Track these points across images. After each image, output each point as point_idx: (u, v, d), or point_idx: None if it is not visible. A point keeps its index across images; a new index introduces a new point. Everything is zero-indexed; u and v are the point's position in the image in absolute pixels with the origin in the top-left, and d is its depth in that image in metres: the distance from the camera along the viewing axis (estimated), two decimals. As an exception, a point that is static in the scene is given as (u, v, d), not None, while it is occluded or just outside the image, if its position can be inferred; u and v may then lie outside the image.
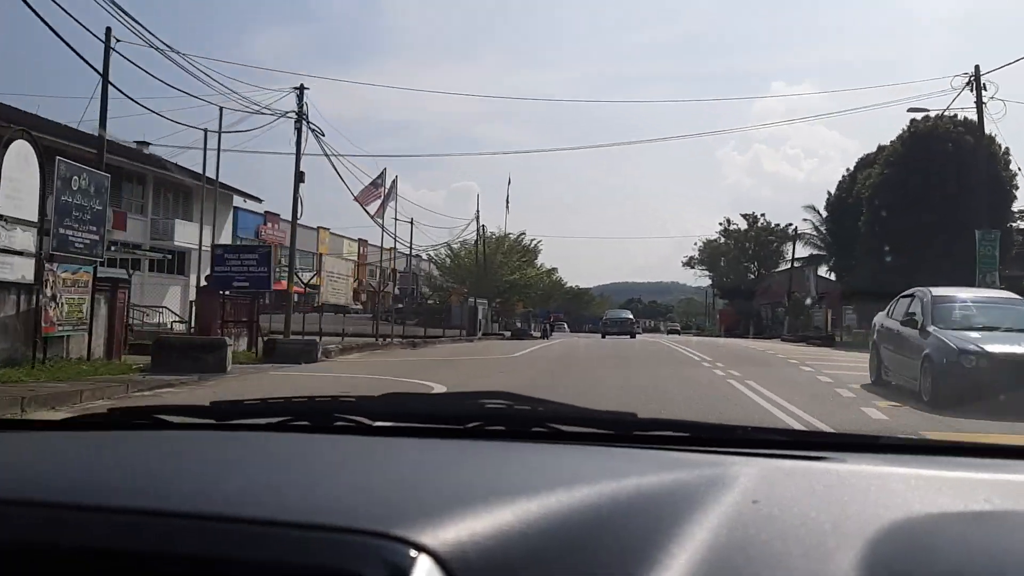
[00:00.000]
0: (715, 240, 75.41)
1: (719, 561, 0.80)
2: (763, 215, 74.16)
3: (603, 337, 46.77)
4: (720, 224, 75.38)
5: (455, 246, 60.95)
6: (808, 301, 56.08)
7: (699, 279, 79.19)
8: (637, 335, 48.79)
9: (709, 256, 74.90)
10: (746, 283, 73.08)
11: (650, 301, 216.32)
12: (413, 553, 0.73)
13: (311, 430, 1.41)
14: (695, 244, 76.85)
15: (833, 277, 64.11)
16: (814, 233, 68.39)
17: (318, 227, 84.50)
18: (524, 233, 63.32)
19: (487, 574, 0.74)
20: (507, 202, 71.00)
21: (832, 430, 6.05)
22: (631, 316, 52.56)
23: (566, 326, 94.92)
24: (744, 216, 74.40)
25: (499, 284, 59.67)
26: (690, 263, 77.59)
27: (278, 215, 76.81)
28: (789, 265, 70.87)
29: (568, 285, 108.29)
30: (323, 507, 0.86)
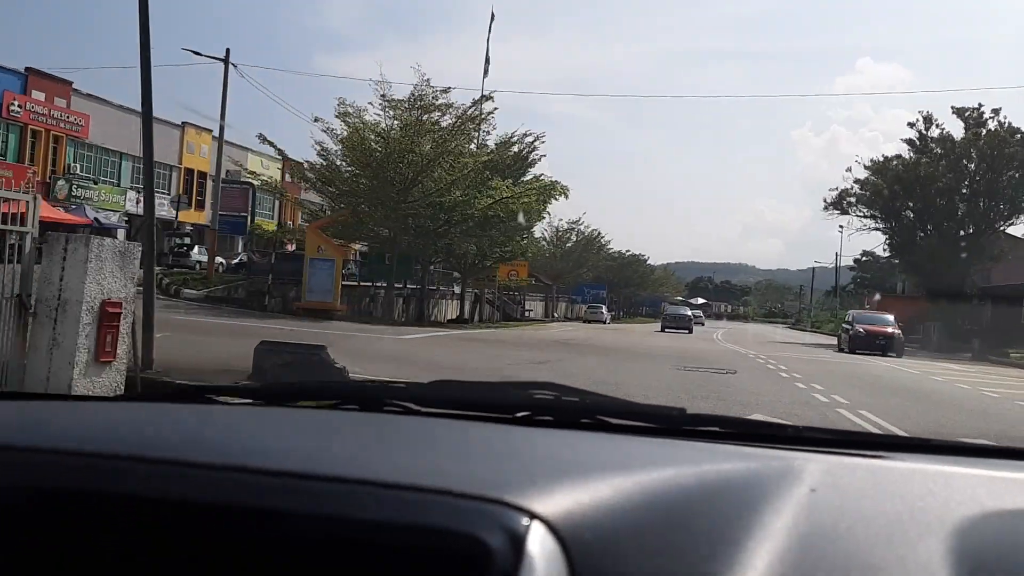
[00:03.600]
0: (894, 159, 38.39)
1: (804, 547, 0.82)
2: (996, 111, 36.99)
3: (662, 330, 41.15)
4: (910, 125, 38.24)
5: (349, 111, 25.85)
6: None
7: (853, 236, 42.28)
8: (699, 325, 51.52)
9: (890, 187, 37.56)
10: (956, 245, 36.41)
11: (722, 281, 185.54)
12: (526, 521, 0.75)
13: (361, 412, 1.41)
14: (849, 170, 40.15)
15: None
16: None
17: (183, 123, 49.82)
18: (492, 99, 27.39)
19: (594, 543, 0.77)
20: (487, 55, 35.62)
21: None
22: (689, 313, 49.08)
23: (604, 311, 59.31)
24: (958, 113, 37.29)
25: (416, 206, 24.89)
26: (838, 204, 40.57)
27: (69, 84, 42.24)
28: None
29: (614, 250, 71.88)
30: (429, 473, 0.87)
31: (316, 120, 25.17)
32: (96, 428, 1.08)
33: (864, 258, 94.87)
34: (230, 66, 27.50)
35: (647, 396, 10.50)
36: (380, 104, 25.23)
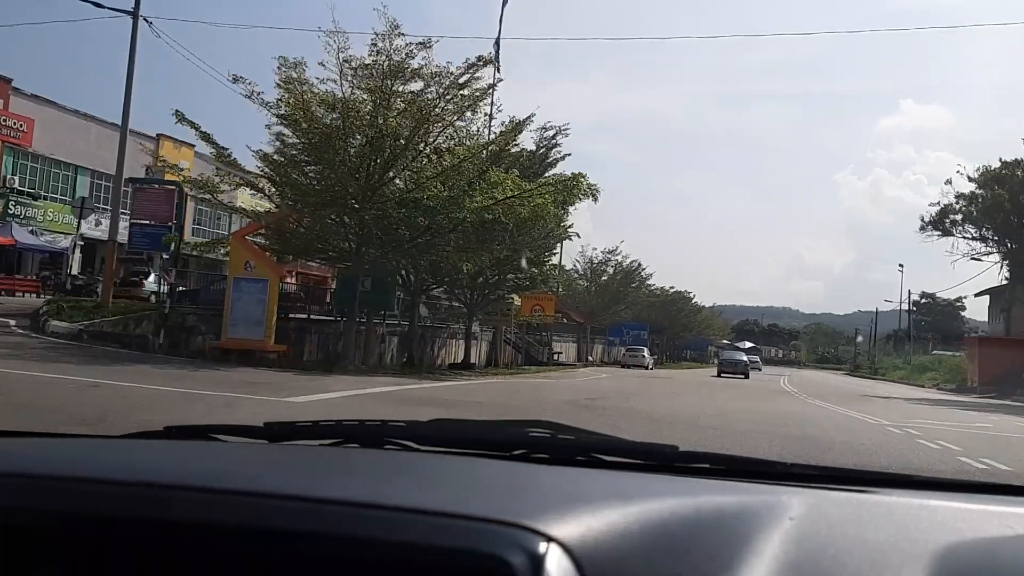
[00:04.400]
0: (1011, 166, 30.48)
1: (794, 572, 0.87)
2: None
3: (718, 375, 41.59)
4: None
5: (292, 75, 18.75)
6: None
7: (956, 261, 34.16)
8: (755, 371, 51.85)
9: (1013, 199, 29.48)
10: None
11: (769, 324, 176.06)
12: (544, 543, 0.81)
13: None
14: (948, 182, 32.36)
15: None
16: None
17: (158, 135, 42.40)
18: (493, 64, 20.35)
19: (607, 565, 0.82)
20: (498, 36, 28.83)
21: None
22: (745, 358, 47.20)
23: (646, 354, 51.43)
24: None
25: (384, 207, 17.80)
26: (939, 223, 32.67)
27: (8, 82, 33.95)
28: None
29: (655, 286, 64.15)
30: (447, 500, 0.92)
31: (236, 80, 18.12)
32: (110, 463, 1.10)
33: (924, 300, 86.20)
34: (144, 22, 20.70)
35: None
36: (336, 64, 18.18)
